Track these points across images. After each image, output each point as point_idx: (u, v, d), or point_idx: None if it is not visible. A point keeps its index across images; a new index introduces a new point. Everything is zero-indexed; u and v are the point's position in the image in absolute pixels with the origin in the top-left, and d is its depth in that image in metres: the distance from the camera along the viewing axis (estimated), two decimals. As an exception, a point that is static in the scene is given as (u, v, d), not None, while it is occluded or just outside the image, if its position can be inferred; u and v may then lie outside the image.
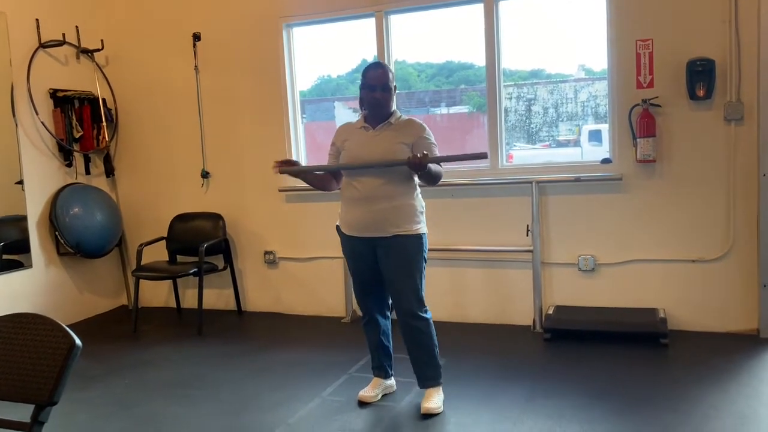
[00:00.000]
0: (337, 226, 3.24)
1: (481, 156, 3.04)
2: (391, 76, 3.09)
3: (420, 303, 3.10)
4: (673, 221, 4.08)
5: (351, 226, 3.13)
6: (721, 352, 3.72)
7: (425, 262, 3.12)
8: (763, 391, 3.20)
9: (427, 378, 3.17)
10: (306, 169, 3.40)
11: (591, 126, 4.89)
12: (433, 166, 2.94)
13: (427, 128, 3.10)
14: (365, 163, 3.04)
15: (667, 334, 3.87)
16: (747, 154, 3.89)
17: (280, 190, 4.90)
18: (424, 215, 3.14)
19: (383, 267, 3.11)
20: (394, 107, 3.14)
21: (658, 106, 3.98)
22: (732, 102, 3.86)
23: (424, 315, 3.11)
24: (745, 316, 4.00)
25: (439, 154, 3.06)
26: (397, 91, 3.17)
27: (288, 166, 3.18)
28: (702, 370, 3.45)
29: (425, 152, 2.87)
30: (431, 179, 3.01)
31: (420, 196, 3.15)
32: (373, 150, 3.04)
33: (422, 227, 3.11)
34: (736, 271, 3.99)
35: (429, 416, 3.06)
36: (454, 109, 5.18)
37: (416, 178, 3.09)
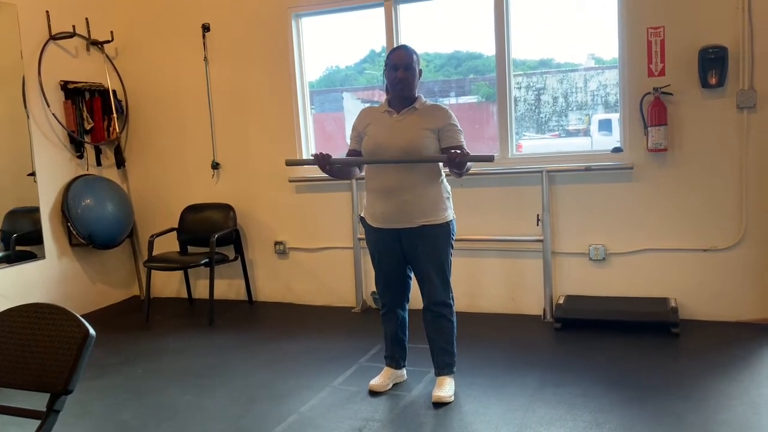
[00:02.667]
0: (362, 218, 3.23)
1: (488, 159, 3.01)
2: (415, 57, 3.04)
3: (447, 290, 3.11)
4: (684, 210, 4.06)
5: (376, 218, 3.12)
6: (732, 341, 3.70)
7: (452, 248, 3.12)
8: (775, 380, 3.19)
9: (445, 365, 3.18)
10: (344, 162, 3.18)
11: (601, 115, 4.85)
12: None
13: (453, 114, 3.06)
14: (398, 158, 2.97)
15: (679, 323, 3.85)
16: (759, 142, 3.86)
17: (290, 181, 4.91)
18: (450, 200, 3.12)
19: (410, 257, 3.10)
20: (418, 93, 3.10)
21: (670, 94, 3.95)
22: (745, 90, 3.83)
23: (451, 302, 3.13)
24: (757, 305, 3.98)
25: (463, 141, 3.02)
26: (422, 77, 3.11)
27: (325, 160, 3.01)
28: (713, 359, 3.44)
29: (459, 151, 2.83)
30: (463, 172, 2.96)
31: (445, 181, 3.12)
32: (398, 136, 3.00)
33: (449, 214, 3.09)
34: (748, 260, 3.97)
35: (440, 405, 3.07)
36: (463, 99, 5.15)
37: (441, 165, 3.06)
